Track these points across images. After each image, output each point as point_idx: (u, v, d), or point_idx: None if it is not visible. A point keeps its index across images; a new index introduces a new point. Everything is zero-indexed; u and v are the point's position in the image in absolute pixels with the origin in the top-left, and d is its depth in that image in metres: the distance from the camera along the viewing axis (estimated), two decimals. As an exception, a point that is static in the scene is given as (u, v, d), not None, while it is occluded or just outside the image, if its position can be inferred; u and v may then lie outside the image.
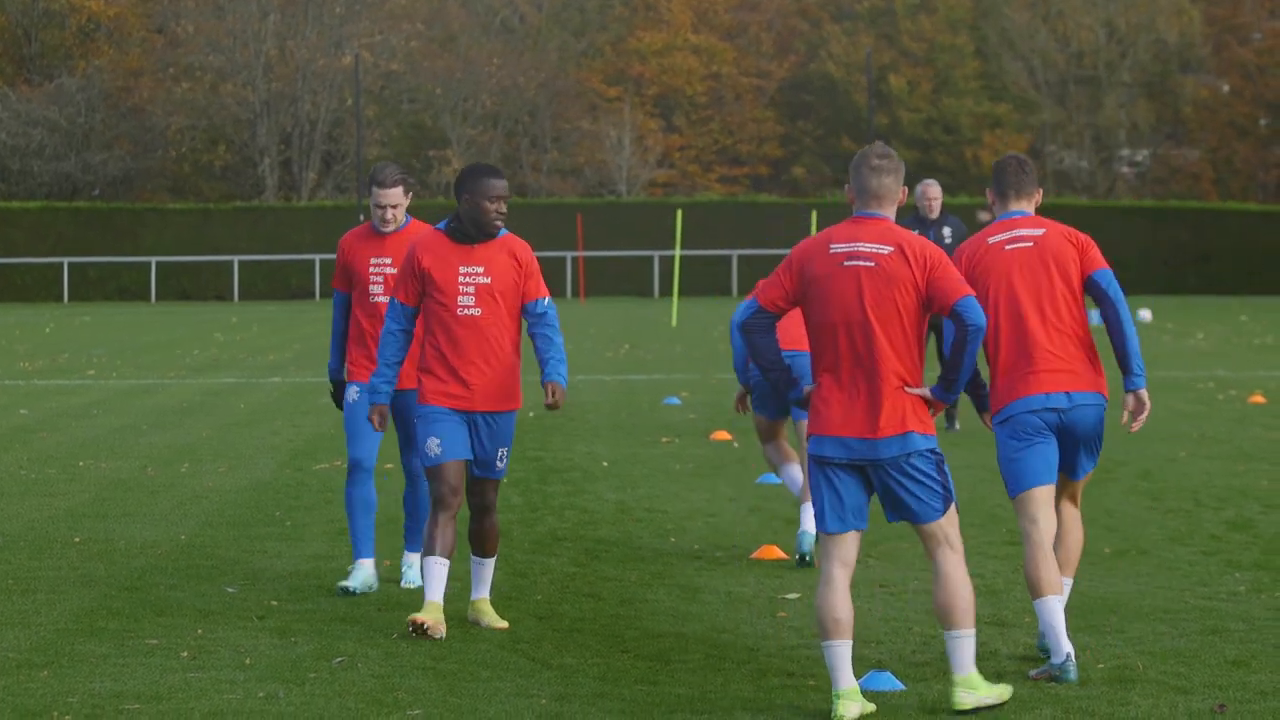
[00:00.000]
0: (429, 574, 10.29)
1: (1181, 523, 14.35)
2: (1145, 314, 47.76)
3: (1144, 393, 9.49)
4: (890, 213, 8.71)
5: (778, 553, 12.91)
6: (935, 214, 20.58)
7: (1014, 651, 9.85)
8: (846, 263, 8.57)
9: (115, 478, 17.06)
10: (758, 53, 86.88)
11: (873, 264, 8.55)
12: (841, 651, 8.51)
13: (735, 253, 67.55)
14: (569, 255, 66.41)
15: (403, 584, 11.75)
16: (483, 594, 10.69)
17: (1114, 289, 9.48)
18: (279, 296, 68.61)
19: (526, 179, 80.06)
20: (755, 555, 12.93)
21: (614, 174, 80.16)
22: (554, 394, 10.45)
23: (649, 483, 16.86)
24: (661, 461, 18.43)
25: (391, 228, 11.47)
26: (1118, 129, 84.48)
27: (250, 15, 77.57)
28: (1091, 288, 9.48)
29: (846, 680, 8.51)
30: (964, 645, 8.56)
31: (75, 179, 76.87)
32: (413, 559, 11.86)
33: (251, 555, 12.89)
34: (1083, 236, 9.58)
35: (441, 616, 10.24)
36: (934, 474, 8.57)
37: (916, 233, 19.98)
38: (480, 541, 10.67)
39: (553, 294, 64.35)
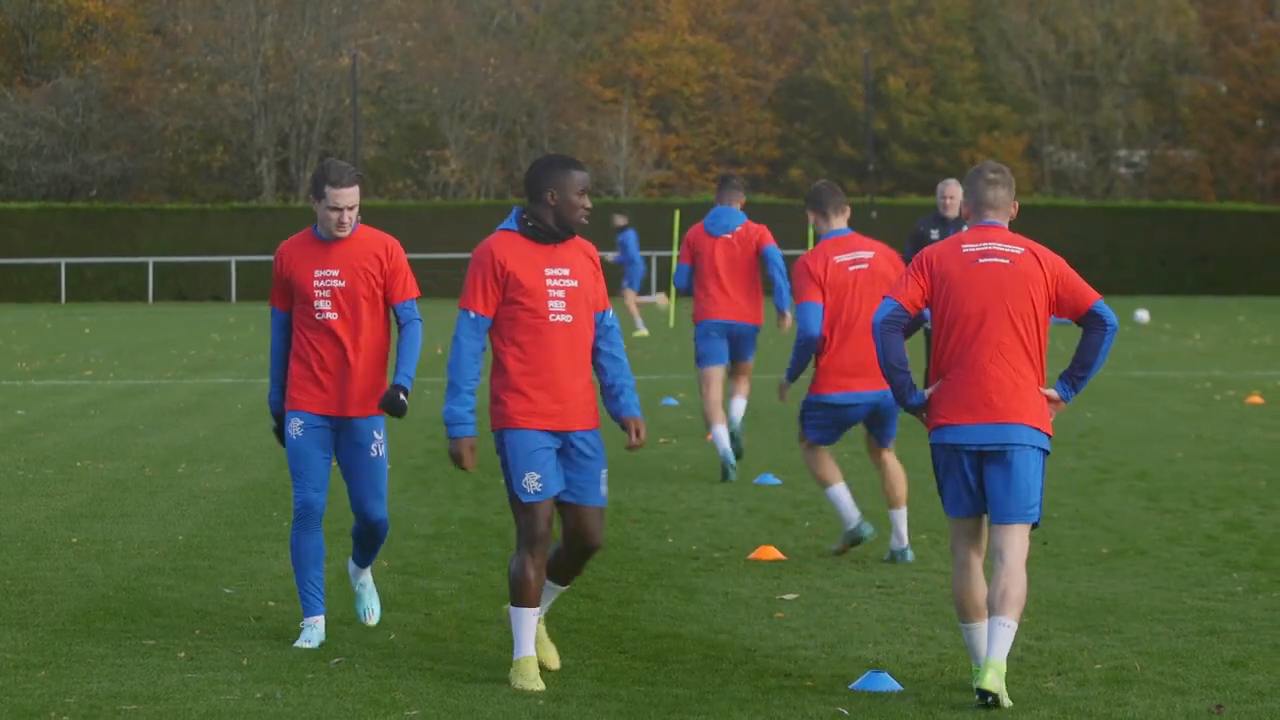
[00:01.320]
0: (522, 626, 9.14)
1: (1179, 523, 14.35)
2: (1143, 314, 47.74)
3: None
4: (1005, 222, 9.16)
5: (775, 553, 12.90)
6: (954, 213, 20.74)
7: (1009, 652, 9.83)
8: (982, 260, 9.03)
9: (112, 478, 17.05)
10: (755, 54, 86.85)
11: (1008, 261, 9.01)
12: (980, 631, 8.89)
13: (733, 253, 67.52)
14: (566, 256, 66.44)
15: (363, 619, 10.52)
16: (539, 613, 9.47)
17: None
18: (276, 297, 68.54)
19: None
20: (753, 556, 12.92)
21: (611, 175, 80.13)
22: (639, 433, 9.50)
23: (646, 483, 16.85)
24: (659, 462, 18.42)
25: (347, 232, 10.04)
26: (1115, 129, 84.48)
27: (248, 15, 77.56)
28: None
29: (987, 653, 8.78)
30: (1008, 635, 8.74)
31: (73, 179, 76.87)
32: (365, 579, 10.57)
33: (249, 555, 12.88)
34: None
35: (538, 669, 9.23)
36: (1040, 476, 8.92)
37: (935, 231, 20.68)
38: (566, 574, 9.51)
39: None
